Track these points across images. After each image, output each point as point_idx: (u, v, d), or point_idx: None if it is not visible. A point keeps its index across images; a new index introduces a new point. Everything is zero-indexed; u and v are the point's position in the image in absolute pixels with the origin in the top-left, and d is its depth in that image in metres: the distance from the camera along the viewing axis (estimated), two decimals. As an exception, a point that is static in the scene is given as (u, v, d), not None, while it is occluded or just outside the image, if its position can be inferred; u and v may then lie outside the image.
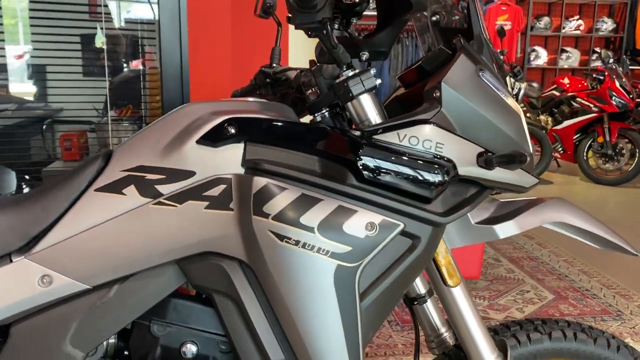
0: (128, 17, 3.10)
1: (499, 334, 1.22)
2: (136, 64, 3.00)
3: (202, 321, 1.00)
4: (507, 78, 1.13)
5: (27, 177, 2.66)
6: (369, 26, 5.36)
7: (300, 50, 2.54)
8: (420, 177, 0.93)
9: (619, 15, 8.70)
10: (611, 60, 6.03)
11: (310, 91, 1.02)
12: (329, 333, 0.93)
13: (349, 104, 0.97)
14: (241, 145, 0.93)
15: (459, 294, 1.12)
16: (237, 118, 0.92)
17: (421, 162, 0.93)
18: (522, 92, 4.90)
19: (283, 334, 0.94)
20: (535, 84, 7.94)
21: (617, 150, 5.92)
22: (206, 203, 0.91)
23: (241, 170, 0.92)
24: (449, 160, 0.95)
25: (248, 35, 2.74)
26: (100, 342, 0.98)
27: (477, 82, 0.97)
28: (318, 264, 0.90)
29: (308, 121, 0.99)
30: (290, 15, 0.90)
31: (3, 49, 2.74)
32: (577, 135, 6.08)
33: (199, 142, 0.92)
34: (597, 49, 8.18)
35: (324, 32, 0.90)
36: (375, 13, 1.06)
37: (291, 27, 0.94)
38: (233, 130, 0.92)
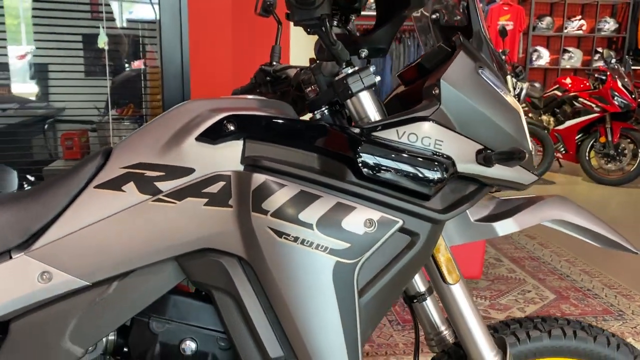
0: (129, 17, 3.11)
1: (498, 331, 1.21)
2: (137, 64, 3.01)
3: (201, 318, 1.01)
4: (509, 78, 1.13)
5: (28, 176, 2.67)
6: (371, 26, 5.35)
7: (301, 48, 2.54)
8: (419, 174, 0.93)
9: (621, 15, 8.68)
10: (613, 60, 6.01)
11: (309, 89, 1.02)
12: (327, 329, 0.93)
13: (348, 101, 0.97)
14: (240, 142, 0.93)
15: (458, 292, 1.11)
16: (237, 115, 0.93)
17: (420, 159, 0.93)
18: (524, 92, 4.88)
19: (282, 330, 0.94)
20: (537, 84, 7.94)
21: (619, 151, 5.91)
22: (205, 200, 0.91)
23: (240, 167, 0.92)
24: (448, 158, 0.95)
25: (248, 34, 2.75)
26: (99, 338, 0.98)
27: (476, 79, 0.97)
28: (317, 261, 0.90)
29: (308, 119, 0.99)
30: (289, 12, 0.90)
31: (5, 48, 2.75)
32: (579, 136, 6.07)
33: (198, 139, 0.92)
34: (600, 49, 8.15)
35: (323, 28, 0.90)
36: (375, 13, 1.06)
37: (292, 25, 0.94)
38: (232, 128, 0.92)
